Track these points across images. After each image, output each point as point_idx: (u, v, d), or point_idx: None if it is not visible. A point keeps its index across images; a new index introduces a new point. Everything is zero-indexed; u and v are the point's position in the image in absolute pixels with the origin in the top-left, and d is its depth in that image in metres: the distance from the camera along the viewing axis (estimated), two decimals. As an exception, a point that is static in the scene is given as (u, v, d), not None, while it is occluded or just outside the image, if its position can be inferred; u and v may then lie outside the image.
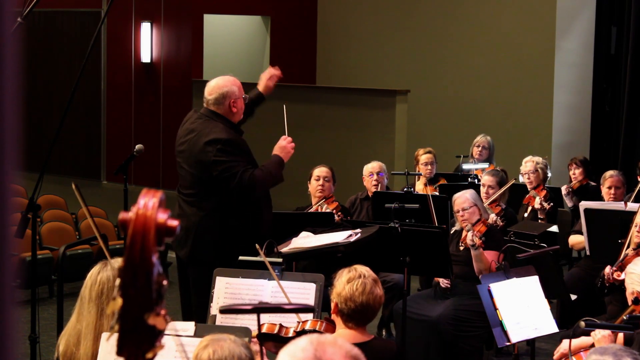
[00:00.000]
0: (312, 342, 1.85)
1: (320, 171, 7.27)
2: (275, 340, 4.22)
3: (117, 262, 3.66)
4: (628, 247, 5.98)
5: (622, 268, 5.77)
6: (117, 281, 1.43)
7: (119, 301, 1.41)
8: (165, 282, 1.44)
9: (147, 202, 1.43)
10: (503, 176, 7.75)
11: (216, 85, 5.69)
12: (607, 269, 5.96)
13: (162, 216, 1.43)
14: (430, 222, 6.91)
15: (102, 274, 3.61)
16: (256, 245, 4.59)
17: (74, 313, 3.65)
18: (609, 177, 7.52)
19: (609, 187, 7.48)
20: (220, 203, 5.59)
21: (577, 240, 7.39)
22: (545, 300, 5.27)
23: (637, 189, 7.43)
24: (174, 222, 1.44)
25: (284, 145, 5.83)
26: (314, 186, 7.22)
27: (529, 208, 8.10)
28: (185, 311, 5.77)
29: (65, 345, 3.61)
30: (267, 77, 6.23)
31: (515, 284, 5.26)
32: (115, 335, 1.45)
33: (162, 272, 1.44)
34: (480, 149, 9.30)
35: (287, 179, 6.12)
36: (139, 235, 1.42)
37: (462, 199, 6.50)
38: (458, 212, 6.48)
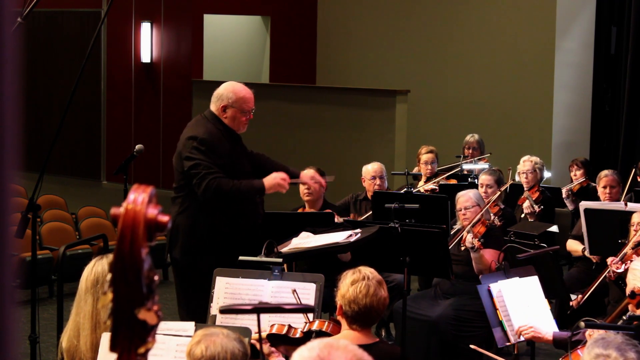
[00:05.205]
0: (319, 344, 1.90)
1: None
2: (284, 341, 4.21)
3: None
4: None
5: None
6: (108, 276, 1.43)
7: (110, 296, 1.42)
8: (156, 278, 1.45)
9: (137, 197, 1.43)
10: (500, 175, 7.74)
11: (221, 87, 5.72)
12: (610, 259, 6.03)
13: (152, 211, 1.43)
14: (430, 222, 6.90)
15: (98, 266, 3.62)
16: None
17: (73, 308, 3.65)
18: (604, 176, 7.57)
19: (604, 187, 7.51)
20: (190, 203, 5.56)
21: (574, 247, 7.32)
22: (546, 300, 5.27)
23: (627, 187, 7.44)
24: (165, 218, 1.44)
25: (277, 177, 5.60)
26: (301, 190, 6.90)
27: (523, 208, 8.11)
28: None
29: (68, 341, 3.61)
30: (310, 176, 5.98)
31: (515, 284, 5.26)
32: (109, 332, 1.45)
33: (153, 268, 1.44)
34: (471, 150, 9.36)
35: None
36: (128, 229, 1.42)
37: (465, 197, 6.50)
38: (460, 210, 6.48)
